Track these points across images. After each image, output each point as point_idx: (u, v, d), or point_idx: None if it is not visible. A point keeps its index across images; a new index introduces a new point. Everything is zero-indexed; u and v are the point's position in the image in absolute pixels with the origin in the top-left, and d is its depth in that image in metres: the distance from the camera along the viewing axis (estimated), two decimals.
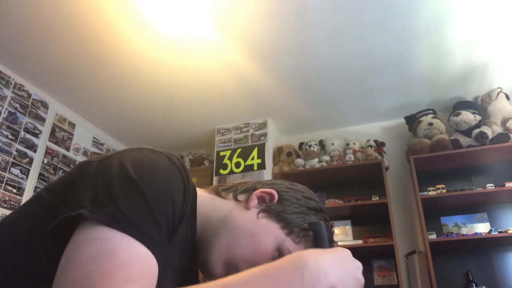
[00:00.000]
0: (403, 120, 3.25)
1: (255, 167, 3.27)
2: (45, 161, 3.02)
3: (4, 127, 2.73)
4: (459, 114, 2.97)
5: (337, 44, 2.57)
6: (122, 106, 3.25)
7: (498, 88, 3.04)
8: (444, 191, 2.81)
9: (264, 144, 3.35)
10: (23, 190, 2.81)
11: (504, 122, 2.96)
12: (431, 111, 3.14)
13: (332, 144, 3.32)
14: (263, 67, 2.77)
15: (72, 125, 3.33)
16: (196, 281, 0.71)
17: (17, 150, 2.81)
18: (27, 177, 2.86)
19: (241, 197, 0.69)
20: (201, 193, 0.69)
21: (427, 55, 2.68)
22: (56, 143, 3.14)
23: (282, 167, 3.29)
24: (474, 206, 2.92)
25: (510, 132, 2.87)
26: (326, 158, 3.26)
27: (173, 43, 2.53)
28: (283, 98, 3.15)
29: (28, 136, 2.90)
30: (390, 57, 2.69)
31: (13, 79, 2.84)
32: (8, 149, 2.75)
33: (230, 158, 3.38)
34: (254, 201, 0.67)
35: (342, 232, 3.12)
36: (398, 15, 2.33)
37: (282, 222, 0.64)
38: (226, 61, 2.71)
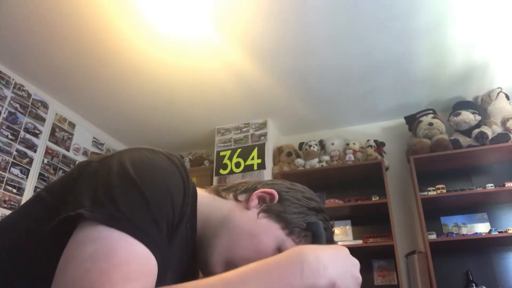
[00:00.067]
0: (403, 120, 3.25)
1: (255, 167, 3.27)
2: (45, 161, 3.02)
3: (4, 127, 2.73)
4: (459, 114, 2.97)
5: (337, 44, 2.57)
6: (122, 106, 3.25)
7: (498, 88, 3.04)
8: (444, 191, 2.81)
9: (264, 144, 3.35)
10: (23, 190, 2.81)
11: (504, 122, 2.97)
12: (431, 111, 3.14)
13: (332, 144, 3.32)
14: (263, 67, 2.77)
15: (72, 125, 3.33)
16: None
17: (17, 150, 2.81)
18: (27, 177, 2.86)
19: (241, 197, 0.69)
20: (201, 193, 0.69)
21: (427, 55, 2.68)
22: (56, 143, 3.14)
23: (282, 167, 3.29)
24: (474, 206, 2.92)
25: (510, 132, 2.87)
26: (326, 158, 3.26)
27: (173, 43, 2.53)
28: (283, 98, 3.15)
29: (28, 136, 2.90)
30: (390, 57, 2.69)
31: (13, 79, 2.84)
32: (8, 149, 2.75)
33: (230, 158, 3.38)
34: (254, 201, 0.67)
35: (342, 232, 3.12)
36: (398, 15, 2.33)
37: (282, 222, 0.64)
38: (226, 61, 2.71)
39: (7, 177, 2.71)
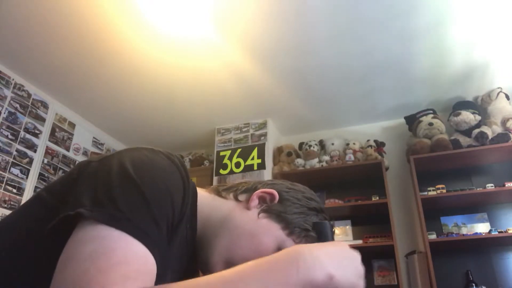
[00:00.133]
0: (403, 120, 3.25)
1: (255, 167, 3.27)
2: (45, 161, 3.02)
3: (4, 127, 2.73)
4: (459, 114, 2.97)
5: (337, 44, 2.57)
6: (122, 106, 3.25)
7: (498, 88, 3.04)
8: (444, 191, 2.81)
9: (264, 144, 3.35)
10: (23, 190, 2.81)
11: (504, 122, 2.97)
12: (431, 111, 3.14)
13: (332, 144, 3.32)
14: (263, 67, 2.77)
15: (72, 125, 3.33)
16: None
17: (17, 150, 2.81)
18: (27, 177, 2.86)
19: (241, 197, 0.69)
20: (201, 193, 0.69)
21: (427, 55, 2.68)
22: (56, 143, 3.14)
23: (282, 167, 3.29)
24: (474, 206, 2.92)
25: (510, 132, 2.87)
26: (326, 158, 3.26)
27: (173, 43, 2.53)
28: (283, 98, 3.15)
29: (28, 136, 2.90)
30: (390, 57, 2.69)
31: (13, 79, 2.84)
32: (8, 149, 2.75)
33: (230, 158, 3.38)
34: (254, 201, 0.67)
35: (342, 232, 3.12)
36: (398, 15, 2.33)
37: (282, 223, 0.64)
38: (226, 61, 2.70)
39: (7, 177, 2.71)
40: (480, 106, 3.11)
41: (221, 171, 3.35)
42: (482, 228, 2.81)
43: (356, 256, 0.53)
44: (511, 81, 3.02)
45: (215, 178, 3.34)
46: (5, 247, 0.53)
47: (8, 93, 2.79)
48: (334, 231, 2.93)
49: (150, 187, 0.50)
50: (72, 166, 3.23)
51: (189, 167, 3.61)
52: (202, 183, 2.69)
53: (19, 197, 2.78)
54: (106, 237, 0.44)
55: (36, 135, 2.97)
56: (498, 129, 2.95)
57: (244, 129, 3.49)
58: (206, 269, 0.65)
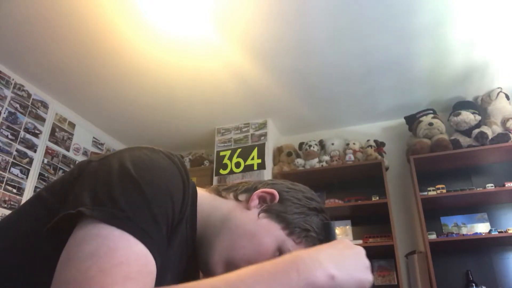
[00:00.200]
0: (403, 120, 3.25)
1: (255, 167, 3.27)
2: (45, 161, 3.02)
3: (4, 127, 2.73)
4: (459, 114, 2.97)
5: (337, 44, 2.57)
6: (122, 106, 3.25)
7: (498, 88, 3.04)
8: (444, 191, 2.81)
9: (264, 144, 3.35)
10: (23, 190, 2.81)
11: (504, 122, 2.97)
12: (431, 111, 3.14)
13: (332, 144, 3.32)
14: (263, 67, 2.77)
15: (72, 125, 3.33)
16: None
17: (17, 150, 2.80)
18: (27, 177, 2.86)
19: (242, 197, 0.69)
20: (201, 192, 0.69)
21: (427, 55, 2.68)
22: (56, 143, 3.14)
23: (282, 167, 3.29)
24: (474, 206, 2.92)
25: (510, 132, 2.87)
26: (326, 158, 3.26)
27: (173, 43, 2.53)
28: (283, 98, 3.15)
29: (28, 136, 2.90)
30: (390, 57, 2.69)
31: (13, 79, 2.84)
32: (8, 149, 2.75)
33: (230, 158, 3.38)
34: (255, 201, 0.67)
35: (342, 232, 3.12)
36: (398, 15, 2.33)
37: (283, 223, 0.64)
38: (226, 61, 2.70)
39: (7, 177, 2.71)
40: (480, 106, 3.11)
41: (221, 171, 3.35)
42: (482, 228, 2.81)
43: (359, 251, 0.53)
44: (511, 81, 3.02)
45: (215, 178, 3.34)
46: (5, 246, 0.53)
47: (8, 93, 2.79)
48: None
49: (151, 187, 0.50)
50: (72, 166, 3.23)
51: (189, 167, 3.61)
52: (202, 183, 2.69)
53: (19, 197, 2.78)
54: (107, 236, 0.44)
55: (36, 135, 2.97)
56: (498, 129, 2.95)
57: (244, 129, 3.49)
58: (206, 269, 0.65)
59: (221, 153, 3.44)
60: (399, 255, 2.74)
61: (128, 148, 0.58)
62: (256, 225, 0.64)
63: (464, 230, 2.84)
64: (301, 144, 3.42)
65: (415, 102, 3.21)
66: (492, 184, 2.74)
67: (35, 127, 2.97)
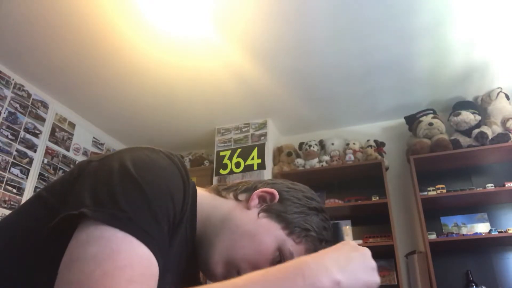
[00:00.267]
0: (403, 120, 3.25)
1: (255, 167, 3.27)
2: (45, 161, 3.02)
3: (4, 127, 2.73)
4: (459, 114, 2.97)
5: (337, 44, 2.57)
6: (122, 106, 3.25)
7: (498, 88, 3.04)
8: (444, 191, 2.81)
9: (264, 144, 3.35)
10: (23, 190, 2.81)
11: (504, 122, 2.97)
12: (431, 111, 3.14)
13: (332, 144, 3.32)
14: (263, 67, 2.77)
15: (72, 125, 3.33)
16: (196, 281, 0.71)
17: (17, 150, 2.80)
18: (27, 177, 2.86)
19: (241, 196, 0.69)
20: (201, 192, 0.69)
21: (427, 55, 2.68)
22: (56, 143, 3.14)
23: (282, 167, 3.29)
24: (474, 206, 2.92)
25: (510, 132, 2.87)
26: (326, 158, 3.26)
27: (173, 43, 2.53)
28: (283, 98, 3.15)
29: (28, 136, 2.90)
30: (390, 57, 2.69)
31: (13, 79, 2.84)
32: (8, 149, 2.75)
33: (230, 158, 3.38)
34: (255, 201, 0.67)
35: (342, 232, 3.12)
36: (398, 15, 2.33)
37: (283, 222, 0.64)
38: (226, 61, 2.71)
39: (7, 177, 2.71)
40: (480, 106, 3.11)
41: (221, 171, 3.35)
42: (482, 228, 2.81)
43: (365, 252, 0.53)
44: (511, 81, 3.02)
45: (215, 178, 3.34)
46: (5, 246, 0.53)
47: (8, 93, 2.79)
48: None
49: (151, 187, 0.50)
50: (72, 166, 3.23)
51: (189, 167, 3.61)
52: (202, 183, 2.68)
53: (19, 197, 2.78)
54: (110, 238, 0.44)
55: (36, 135, 2.97)
56: (498, 129, 2.95)
57: (244, 129, 3.49)
58: (206, 269, 0.65)
59: (221, 153, 3.44)
60: (399, 255, 2.74)
61: (128, 148, 0.58)
62: (256, 225, 0.64)
63: (464, 230, 2.84)
64: (301, 144, 3.42)
65: (415, 102, 3.21)
66: (492, 184, 2.74)
67: (35, 127, 2.97)
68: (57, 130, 3.16)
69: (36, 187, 2.90)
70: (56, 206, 0.52)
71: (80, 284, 0.41)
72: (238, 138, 3.47)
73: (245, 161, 3.32)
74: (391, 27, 2.42)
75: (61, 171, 3.14)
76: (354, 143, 3.27)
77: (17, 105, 2.85)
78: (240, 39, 2.51)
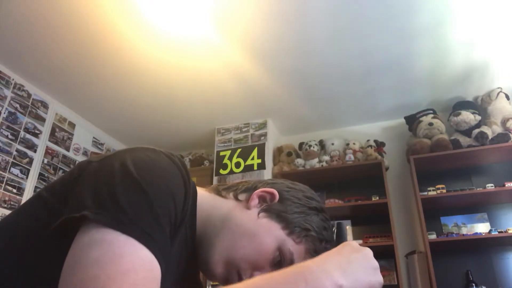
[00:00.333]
0: (403, 120, 3.25)
1: (255, 167, 3.27)
2: (45, 161, 3.02)
3: (4, 127, 2.73)
4: (459, 114, 2.97)
5: (337, 44, 2.57)
6: (122, 106, 3.25)
7: (498, 88, 3.04)
8: (444, 191, 2.81)
9: (264, 144, 3.35)
10: (23, 190, 2.81)
11: (504, 122, 2.97)
12: (431, 111, 3.14)
13: (332, 144, 3.32)
14: (263, 67, 2.77)
15: (72, 125, 3.33)
16: (196, 281, 0.71)
17: (17, 150, 2.80)
18: (27, 177, 2.86)
19: (241, 196, 0.69)
20: (201, 192, 0.69)
21: (427, 55, 2.68)
22: (56, 143, 3.14)
23: (282, 167, 3.29)
24: (474, 206, 2.92)
25: (510, 132, 2.87)
26: (326, 158, 3.26)
27: (173, 43, 2.53)
28: (283, 98, 3.15)
29: (28, 136, 2.90)
30: (390, 57, 2.69)
31: (13, 79, 2.84)
32: (8, 149, 2.75)
33: (230, 158, 3.38)
34: (255, 201, 0.67)
35: None
36: (398, 15, 2.33)
37: (283, 222, 0.64)
38: (226, 61, 2.71)
39: (7, 177, 2.71)
40: (480, 106, 3.11)
41: (221, 171, 3.35)
42: (482, 228, 2.81)
43: (366, 253, 0.53)
44: (511, 81, 3.02)
45: (215, 178, 3.34)
46: (5, 246, 0.53)
47: (8, 93, 2.79)
48: (335, 231, 2.93)
49: (152, 187, 0.50)
50: (72, 166, 3.23)
51: (189, 167, 3.60)
52: (202, 183, 2.68)
53: (19, 197, 2.78)
54: (112, 241, 0.44)
55: (36, 135, 2.97)
56: (498, 129, 2.95)
57: (244, 129, 3.49)
58: (206, 269, 0.65)
59: (221, 153, 3.44)
60: (399, 255, 2.74)
61: (128, 148, 0.58)
62: (256, 225, 0.64)
63: (464, 230, 2.84)
64: (301, 144, 3.42)
65: (415, 102, 3.21)
66: (492, 184, 2.74)
67: (35, 127, 2.97)
68: (57, 130, 3.16)
69: (36, 187, 2.90)
70: (56, 206, 0.52)
71: (84, 287, 0.41)
72: (238, 138, 3.47)
73: (245, 161, 3.32)
74: (391, 27, 2.42)
75: (61, 171, 3.14)
76: (354, 143, 3.27)
77: (17, 105, 2.85)
78: (240, 39, 2.51)
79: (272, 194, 0.67)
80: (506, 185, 2.71)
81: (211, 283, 2.78)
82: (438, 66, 2.81)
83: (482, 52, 2.68)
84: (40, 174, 2.96)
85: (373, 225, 3.05)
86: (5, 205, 2.67)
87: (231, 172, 3.31)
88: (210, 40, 2.50)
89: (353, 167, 3.12)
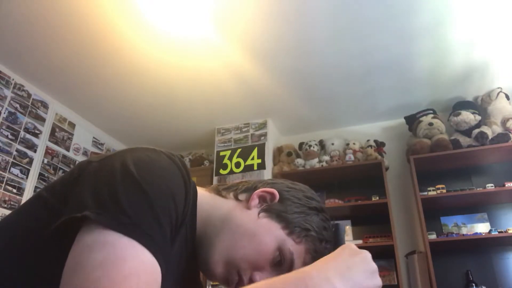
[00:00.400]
0: (403, 120, 3.25)
1: (255, 167, 3.27)
2: (45, 161, 3.02)
3: (4, 127, 2.73)
4: (459, 114, 2.97)
5: (337, 44, 2.57)
6: (122, 106, 3.25)
7: (498, 88, 3.04)
8: (444, 191, 2.81)
9: (264, 144, 3.35)
10: (23, 190, 2.81)
11: (504, 122, 2.97)
12: (431, 111, 3.14)
13: (332, 144, 3.32)
14: (263, 67, 2.77)
15: (72, 125, 3.33)
16: (196, 281, 0.71)
17: (17, 150, 2.80)
18: (27, 177, 2.86)
19: (242, 196, 0.69)
20: (201, 192, 0.68)
21: (427, 55, 2.68)
22: (56, 143, 3.14)
23: (282, 167, 3.29)
24: (474, 206, 2.92)
25: (510, 132, 2.87)
26: (326, 158, 3.26)
27: (173, 43, 2.53)
28: (283, 98, 3.15)
29: (28, 136, 2.90)
30: (390, 57, 2.69)
31: (13, 79, 2.84)
32: (8, 149, 2.75)
33: (230, 158, 3.38)
34: (255, 201, 0.67)
35: None
36: (398, 15, 2.33)
37: (283, 222, 0.64)
38: (226, 61, 2.71)
39: (7, 177, 2.71)
40: (480, 106, 3.11)
41: (221, 171, 3.35)
42: (482, 228, 2.81)
43: (364, 256, 0.54)
44: (511, 81, 3.02)
45: (215, 178, 3.34)
46: (5, 246, 0.53)
47: (8, 93, 2.79)
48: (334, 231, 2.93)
49: (153, 188, 0.50)
50: (72, 166, 3.23)
51: (189, 167, 3.60)
52: (202, 183, 2.68)
53: (19, 197, 2.78)
54: (114, 243, 0.44)
55: (36, 135, 2.97)
56: (498, 129, 2.95)
57: (244, 129, 3.49)
58: (206, 269, 0.65)
59: (221, 153, 3.44)
60: (399, 255, 2.74)
61: (128, 148, 0.58)
62: (256, 225, 0.64)
63: (464, 230, 2.84)
64: (301, 144, 3.42)
65: (415, 102, 3.21)
66: (492, 184, 2.74)
67: (35, 127, 2.97)
68: (57, 130, 3.16)
69: (36, 187, 2.90)
70: (56, 207, 0.52)
71: None
72: (238, 138, 3.47)
73: (245, 161, 3.32)
74: (391, 27, 2.42)
75: (61, 171, 3.14)
76: (354, 143, 3.27)
77: (17, 105, 2.85)
78: (240, 39, 2.51)
79: (272, 194, 0.67)
80: (506, 185, 2.71)
81: (211, 283, 2.78)
82: (438, 66, 2.81)
83: (482, 52, 2.68)
84: (40, 174, 2.96)
85: (373, 225, 3.05)
86: (5, 205, 2.67)
87: (231, 172, 3.31)
88: (210, 40, 2.51)
89: (353, 167, 3.12)
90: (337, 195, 3.15)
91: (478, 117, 2.98)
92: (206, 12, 2.30)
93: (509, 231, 2.60)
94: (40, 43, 2.54)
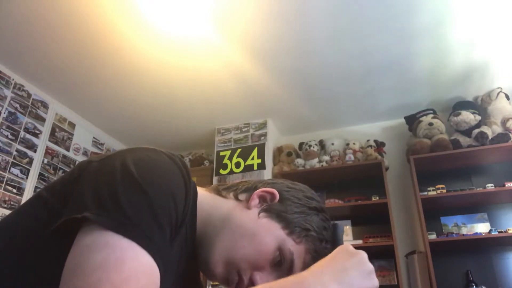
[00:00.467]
0: (403, 120, 3.25)
1: (255, 167, 3.27)
2: (45, 161, 3.02)
3: (4, 127, 2.73)
4: (459, 114, 2.97)
5: (337, 44, 2.57)
6: (122, 106, 3.25)
7: (498, 88, 3.04)
8: (444, 191, 2.81)
9: (264, 144, 3.35)
10: (23, 190, 2.81)
11: (504, 122, 2.97)
12: (431, 111, 3.14)
13: (332, 144, 3.32)
14: (263, 67, 2.77)
15: (72, 125, 3.33)
16: (196, 281, 0.71)
17: (17, 150, 2.80)
18: (27, 177, 2.86)
19: (242, 196, 0.69)
20: (201, 192, 0.68)
21: (427, 55, 2.68)
22: (56, 143, 3.14)
23: (282, 167, 3.29)
24: (474, 206, 2.92)
25: (510, 132, 2.87)
26: (326, 158, 3.26)
27: (173, 43, 2.53)
28: (283, 98, 3.15)
29: (28, 136, 2.90)
30: (390, 57, 2.69)
31: (13, 79, 2.84)
32: (8, 149, 2.75)
33: (230, 158, 3.38)
34: (255, 201, 0.67)
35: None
36: (398, 15, 2.33)
37: (283, 222, 0.64)
38: (226, 61, 2.71)
39: (7, 177, 2.71)
40: (480, 106, 3.11)
41: (221, 171, 3.35)
42: (482, 228, 2.81)
43: (361, 257, 0.54)
44: (511, 81, 3.02)
45: (215, 178, 3.34)
46: (5, 246, 0.53)
47: (8, 93, 2.79)
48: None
49: (153, 188, 0.50)
50: (72, 166, 3.23)
51: (189, 167, 3.61)
52: (202, 183, 2.68)
53: (19, 197, 2.78)
54: (114, 245, 0.44)
55: (36, 135, 2.97)
56: (498, 129, 2.95)
57: (244, 129, 3.49)
58: (206, 269, 0.65)
59: (221, 153, 3.44)
60: (399, 255, 2.74)
61: (128, 148, 0.58)
62: (256, 225, 0.64)
63: (464, 230, 2.84)
64: (301, 144, 3.42)
65: (415, 102, 3.21)
66: (492, 184, 2.74)
67: (35, 127, 2.97)
68: (57, 130, 3.16)
69: (36, 187, 2.90)
70: (56, 207, 0.52)
71: None
72: (238, 138, 3.47)
73: (245, 161, 3.32)
74: (391, 27, 2.42)
75: (61, 171, 3.14)
76: (354, 143, 3.27)
77: (17, 105, 2.85)
78: (240, 39, 2.51)
79: (272, 194, 0.67)
80: (506, 185, 2.71)
81: (211, 283, 2.78)
82: (438, 66, 2.81)
83: (482, 52, 2.68)
84: (40, 174, 2.96)
85: (373, 225, 3.05)
86: (5, 205, 2.67)
87: (231, 172, 3.31)
88: (210, 40, 2.51)
89: (353, 167, 3.12)
90: (337, 195, 3.15)
91: (478, 117, 2.98)
92: (206, 12, 2.30)
93: (509, 231, 2.60)
94: (40, 43, 2.54)
